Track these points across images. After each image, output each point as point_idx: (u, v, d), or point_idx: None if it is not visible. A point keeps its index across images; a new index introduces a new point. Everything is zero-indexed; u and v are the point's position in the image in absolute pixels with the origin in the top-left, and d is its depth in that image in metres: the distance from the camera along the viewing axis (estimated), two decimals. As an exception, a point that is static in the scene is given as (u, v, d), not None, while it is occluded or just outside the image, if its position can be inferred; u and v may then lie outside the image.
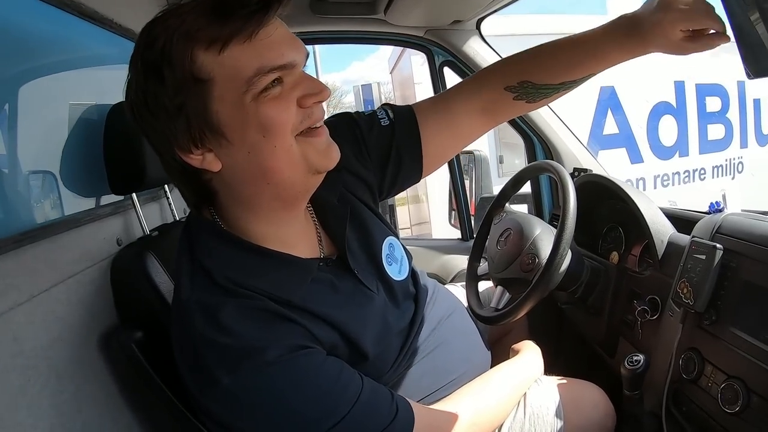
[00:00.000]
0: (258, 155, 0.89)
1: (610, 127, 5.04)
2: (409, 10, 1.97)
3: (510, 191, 1.77)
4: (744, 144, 6.09)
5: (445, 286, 1.77)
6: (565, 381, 1.49)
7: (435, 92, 2.32)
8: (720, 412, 1.15)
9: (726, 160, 5.93)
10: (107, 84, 1.66)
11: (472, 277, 1.77)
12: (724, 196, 1.73)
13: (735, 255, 1.22)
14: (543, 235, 1.59)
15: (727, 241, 1.25)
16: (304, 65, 0.92)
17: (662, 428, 1.33)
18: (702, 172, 5.67)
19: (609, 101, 5.08)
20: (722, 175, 5.83)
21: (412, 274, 1.35)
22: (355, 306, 1.09)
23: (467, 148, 2.74)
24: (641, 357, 1.31)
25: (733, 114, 5.98)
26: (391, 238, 1.28)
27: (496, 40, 2.36)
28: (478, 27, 2.18)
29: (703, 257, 1.25)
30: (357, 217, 1.18)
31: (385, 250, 1.23)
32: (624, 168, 5.00)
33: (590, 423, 1.43)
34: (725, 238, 1.27)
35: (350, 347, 1.05)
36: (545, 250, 1.50)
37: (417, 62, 5.43)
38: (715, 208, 1.61)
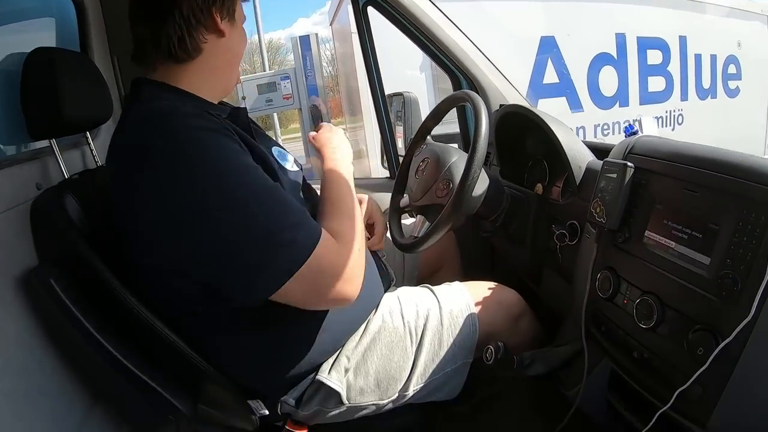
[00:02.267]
0: (240, 44, 1.30)
1: (551, 76, 5.11)
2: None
3: (430, 123, 1.81)
4: (684, 97, 6.29)
5: None
6: (482, 284, 1.61)
7: (359, 33, 2.32)
8: (636, 328, 1.21)
9: (666, 112, 6.12)
10: (26, 31, 1.75)
11: (394, 210, 1.83)
12: (639, 122, 1.78)
13: (646, 172, 1.28)
14: (459, 162, 1.63)
15: (639, 160, 1.31)
16: None
17: (583, 349, 1.41)
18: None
19: (549, 51, 5.14)
20: (663, 126, 6.02)
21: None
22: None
23: (397, 90, 2.74)
24: (492, 348, 1.39)
25: (674, 68, 6.16)
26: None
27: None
28: None
29: (615, 176, 1.31)
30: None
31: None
32: (564, 116, 4.91)
33: (506, 320, 1.57)
34: (637, 157, 1.33)
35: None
36: (459, 174, 1.52)
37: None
38: (630, 132, 1.66)
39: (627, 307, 1.25)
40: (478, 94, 2.22)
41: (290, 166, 1.41)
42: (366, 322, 1.46)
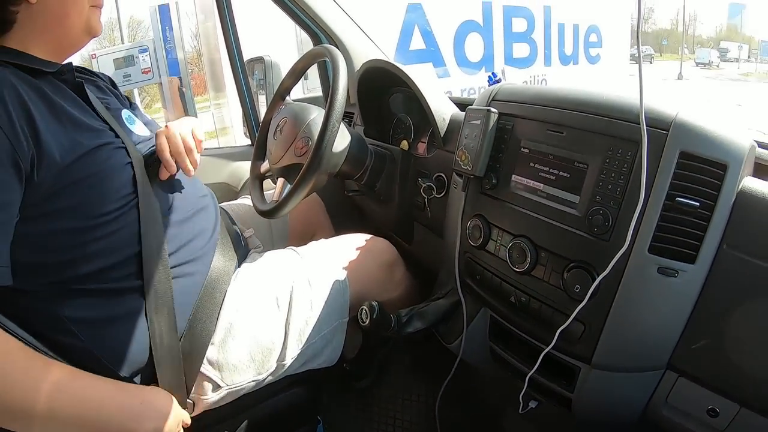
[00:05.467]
0: (61, 4, 1.19)
1: (417, 42, 5.21)
2: None
3: (288, 83, 1.77)
4: (548, 63, 6.68)
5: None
6: (353, 236, 1.62)
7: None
8: (511, 272, 1.23)
9: (530, 77, 6.44)
10: None
11: (255, 176, 1.77)
12: (503, 71, 1.85)
13: (510, 117, 1.29)
14: (318, 119, 1.59)
15: (502, 106, 1.32)
16: None
17: (461, 300, 1.43)
18: (507, 85, 6.04)
19: (416, 18, 5.22)
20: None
21: None
22: None
23: (256, 55, 2.70)
24: (366, 308, 1.32)
25: (538, 35, 6.51)
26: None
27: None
28: None
29: (478, 122, 1.32)
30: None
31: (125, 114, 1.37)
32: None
33: (379, 270, 1.58)
34: (500, 103, 1.34)
35: None
36: (318, 131, 1.48)
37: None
38: (494, 80, 1.72)
39: (500, 252, 1.27)
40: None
41: (138, 129, 1.35)
42: (223, 295, 1.37)
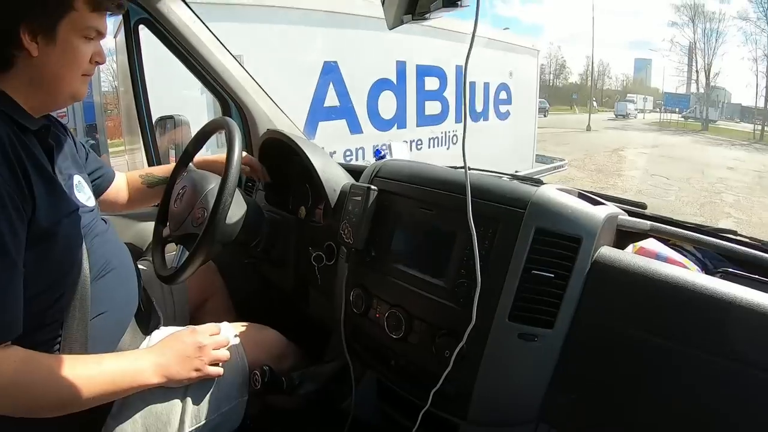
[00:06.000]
0: (60, 66, 1.22)
1: (332, 99, 5.32)
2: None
3: (191, 149, 1.80)
4: (459, 119, 6.90)
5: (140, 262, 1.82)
6: (243, 325, 1.61)
7: (128, 50, 2.27)
8: (389, 339, 1.32)
9: (442, 133, 6.71)
10: None
11: (157, 240, 1.77)
12: (389, 146, 1.95)
13: (389, 195, 1.39)
14: (215, 190, 1.59)
15: (383, 183, 1.42)
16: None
17: (348, 363, 1.51)
18: (419, 142, 6.33)
19: (331, 75, 5.34)
20: (438, 146, 6.56)
21: None
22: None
23: (167, 113, 2.73)
24: (258, 372, 1.40)
25: (450, 93, 6.79)
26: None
27: (197, 8, 2.38)
28: None
29: (360, 198, 1.41)
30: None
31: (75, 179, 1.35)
32: (344, 138, 5.37)
33: (268, 360, 1.55)
34: (381, 180, 1.44)
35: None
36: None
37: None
38: (379, 155, 1.81)
39: (379, 320, 1.34)
40: (246, 119, 2.29)
41: (85, 200, 1.34)
42: None
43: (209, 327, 1.40)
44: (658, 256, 1.19)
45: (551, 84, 55.51)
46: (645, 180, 15.67)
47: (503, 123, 7.97)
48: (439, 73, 6.64)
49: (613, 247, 1.22)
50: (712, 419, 1.00)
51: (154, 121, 2.44)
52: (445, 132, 6.79)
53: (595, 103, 45.79)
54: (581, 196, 1.31)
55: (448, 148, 6.77)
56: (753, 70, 37.47)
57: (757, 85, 37.24)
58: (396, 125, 5.99)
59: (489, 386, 1.17)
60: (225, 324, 1.57)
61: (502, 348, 1.13)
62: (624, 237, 1.28)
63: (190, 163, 1.81)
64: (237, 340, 1.53)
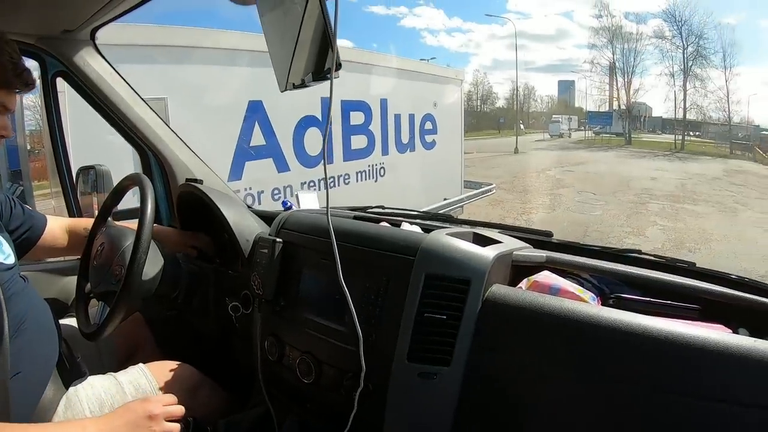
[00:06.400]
0: None
1: (258, 139, 5.37)
2: (16, 16, 1.86)
3: (109, 205, 1.80)
4: (385, 152, 7.10)
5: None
6: (161, 363, 1.66)
7: (46, 104, 2.26)
8: (301, 384, 1.38)
9: (369, 166, 6.83)
10: None
11: (79, 297, 1.77)
12: (297, 197, 2.00)
13: (294, 246, 1.46)
14: (132, 246, 1.61)
15: (288, 235, 1.48)
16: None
17: (269, 408, 1.55)
18: (347, 177, 6.41)
19: (256, 115, 5.40)
20: (366, 180, 6.68)
21: None
22: None
23: (87, 164, 2.72)
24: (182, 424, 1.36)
25: (376, 127, 6.92)
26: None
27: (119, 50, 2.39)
28: (92, 37, 2.12)
29: (266, 251, 1.48)
30: None
31: None
32: (271, 176, 5.43)
33: (183, 393, 1.54)
34: (287, 232, 1.50)
35: None
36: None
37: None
38: (286, 207, 1.86)
39: (292, 366, 1.40)
40: (165, 169, 2.30)
41: (3, 258, 1.36)
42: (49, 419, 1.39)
43: (163, 397, 1.38)
44: (551, 289, 1.26)
45: (479, 110, 56.68)
46: (572, 197, 16.14)
47: (430, 152, 8.15)
48: (364, 108, 6.76)
49: (508, 282, 1.31)
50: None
51: (75, 171, 2.42)
52: (372, 165, 6.91)
53: (522, 126, 47.02)
54: (476, 237, 1.39)
55: (376, 181, 6.89)
56: (670, 84, 39.32)
57: (675, 98, 39.02)
58: (322, 162, 5.96)
59: (397, 424, 1.23)
60: (140, 366, 1.62)
61: (404, 387, 1.20)
62: (520, 271, 1.35)
63: (109, 218, 1.81)
64: (153, 382, 1.58)
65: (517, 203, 14.78)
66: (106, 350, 1.89)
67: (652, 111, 45.79)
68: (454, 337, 1.17)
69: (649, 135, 42.68)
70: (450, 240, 1.27)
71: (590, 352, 1.09)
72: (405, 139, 7.54)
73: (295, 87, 1.24)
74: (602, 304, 1.27)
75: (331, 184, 6.17)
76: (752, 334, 1.08)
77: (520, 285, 1.31)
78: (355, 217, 1.70)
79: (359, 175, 6.65)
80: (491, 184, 9.57)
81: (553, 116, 50.94)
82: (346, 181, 6.40)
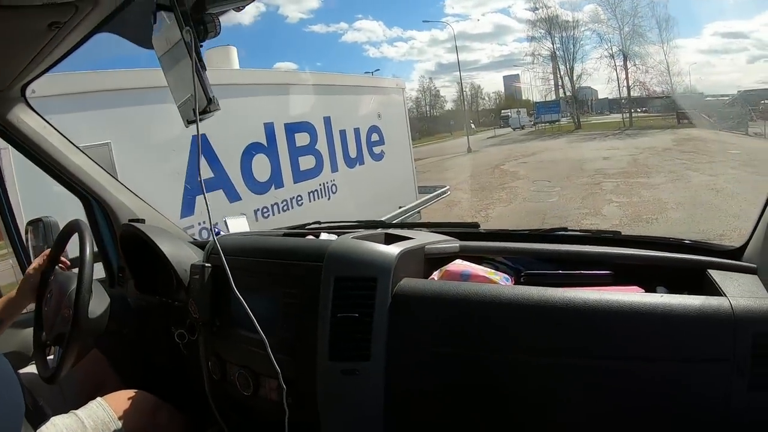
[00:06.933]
0: None
1: (205, 172, 5.35)
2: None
3: (54, 254, 1.88)
4: (335, 169, 7.15)
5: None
6: (120, 393, 1.73)
7: None
8: (243, 397, 1.47)
9: (320, 185, 6.87)
10: None
11: (36, 345, 1.84)
12: (225, 222, 2.09)
13: (222, 268, 1.49)
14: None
15: (217, 259, 1.53)
16: None
17: (223, 428, 1.65)
18: (299, 198, 6.44)
19: (202, 149, 5.17)
20: (319, 198, 6.75)
21: None
22: None
23: (35, 217, 2.75)
24: None
25: (322, 145, 6.97)
26: None
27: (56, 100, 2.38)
28: (23, 93, 2.11)
29: (198, 276, 1.57)
30: None
31: None
32: (223, 207, 5.39)
33: (141, 417, 1.69)
34: (215, 256, 1.55)
35: None
36: None
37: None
38: (217, 233, 1.93)
39: (233, 382, 1.49)
40: (107, 213, 2.32)
41: None
42: None
43: None
44: (462, 275, 1.36)
45: (429, 115, 57.05)
46: (528, 188, 16.35)
47: (380, 163, 8.25)
48: (308, 128, 6.79)
49: (424, 275, 1.41)
50: (533, 413, 1.19)
51: (25, 226, 2.44)
52: (323, 183, 6.96)
53: (473, 125, 47.43)
54: (388, 237, 1.49)
55: (329, 199, 6.93)
56: (611, 65, 40.28)
57: (618, 78, 39.95)
58: (273, 186, 6.10)
59: (332, 422, 1.32)
60: (98, 399, 1.69)
61: (331, 386, 1.29)
62: (436, 263, 1.45)
63: (57, 266, 1.87)
64: (111, 413, 1.66)
65: (475, 201, 14.89)
66: (70, 392, 1.94)
67: (598, 93, 46.67)
68: (369, 332, 1.26)
69: (598, 117, 43.54)
70: (355, 243, 1.37)
71: (497, 329, 1.18)
72: (353, 154, 7.60)
73: (189, 123, 1.36)
74: (515, 283, 1.37)
75: (285, 207, 6.25)
76: (671, 291, 1.20)
77: (432, 276, 1.41)
78: (285, 234, 1.79)
79: (311, 195, 6.68)
80: (445, 187, 9.67)
81: (502, 111, 51.40)
82: (299, 203, 6.41)
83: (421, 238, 1.50)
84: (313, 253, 1.37)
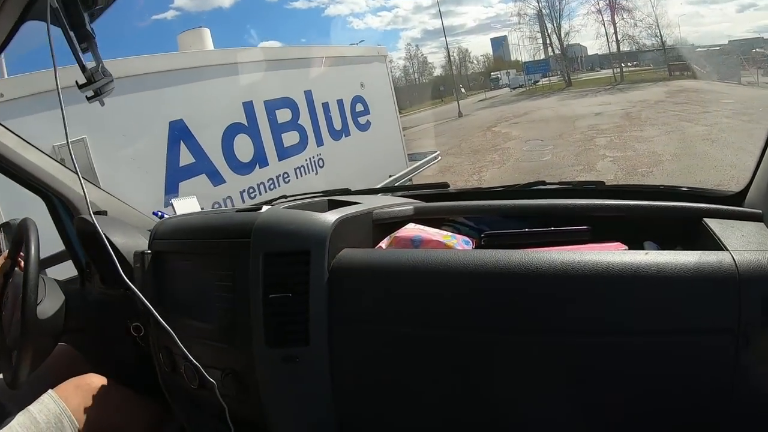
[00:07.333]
0: None
1: (186, 158, 5.23)
2: None
3: (12, 255, 1.81)
4: (320, 143, 7.01)
5: None
6: (72, 381, 1.66)
7: None
8: (192, 390, 1.36)
9: (306, 160, 6.74)
10: None
11: (1, 350, 1.74)
12: (172, 205, 2.01)
13: (163, 254, 1.45)
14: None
15: (158, 244, 1.48)
16: None
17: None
18: (286, 175, 6.32)
19: (180, 134, 5.27)
20: (306, 174, 6.62)
21: None
22: None
23: (5, 220, 2.67)
24: None
25: (305, 120, 6.82)
26: None
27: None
28: None
29: (139, 265, 1.48)
30: None
31: None
32: (208, 192, 5.29)
33: (98, 403, 1.64)
34: (158, 241, 1.50)
35: None
36: None
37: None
38: (159, 216, 1.89)
39: (182, 374, 1.38)
40: (68, 208, 2.30)
41: None
42: None
43: None
44: (413, 242, 1.23)
45: (418, 82, 56.66)
46: (521, 148, 16.27)
47: (366, 134, 8.09)
48: (289, 104, 6.66)
49: (373, 244, 1.29)
50: (481, 386, 1.06)
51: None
52: (310, 158, 6.83)
53: (463, 90, 47.25)
54: (331, 203, 1.37)
55: (316, 174, 6.78)
56: (599, 20, 39.94)
57: (606, 33, 39.64)
58: (257, 165, 5.96)
59: (278, 415, 1.21)
60: (49, 392, 1.61)
61: (273, 375, 1.18)
62: (388, 230, 1.32)
63: (16, 268, 1.81)
64: (62, 404, 1.59)
65: (467, 165, 14.75)
66: (38, 391, 1.89)
67: (587, 50, 46.49)
68: (305, 313, 1.13)
69: (589, 73, 43.29)
70: (286, 213, 1.24)
71: (448, 302, 1.05)
72: (338, 126, 7.44)
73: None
74: (476, 246, 1.25)
75: (271, 185, 6.12)
76: (663, 246, 1.08)
77: (380, 245, 1.29)
78: (239, 211, 1.69)
79: (298, 171, 6.54)
80: (435, 152, 9.55)
81: (492, 74, 51.32)
82: (286, 180, 6.27)
83: (371, 202, 1.37)
84: (239, 227, 1.23)
